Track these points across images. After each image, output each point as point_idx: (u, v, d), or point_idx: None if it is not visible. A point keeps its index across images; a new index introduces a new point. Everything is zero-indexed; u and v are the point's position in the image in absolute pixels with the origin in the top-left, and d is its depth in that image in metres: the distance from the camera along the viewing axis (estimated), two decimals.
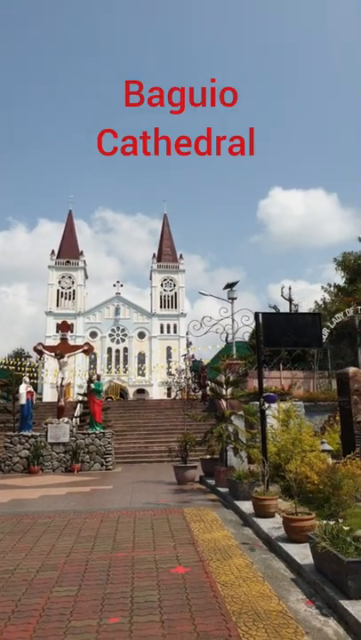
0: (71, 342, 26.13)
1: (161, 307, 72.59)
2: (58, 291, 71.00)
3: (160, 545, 6.66)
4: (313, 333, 9.87)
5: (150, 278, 74.82)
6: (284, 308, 30.92)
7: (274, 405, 11.81)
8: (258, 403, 9.11)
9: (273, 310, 29.52)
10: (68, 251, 73.33)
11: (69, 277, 71.92)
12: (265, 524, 7.19)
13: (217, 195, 62.59)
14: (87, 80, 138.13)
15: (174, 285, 73.64)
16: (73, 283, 71.79)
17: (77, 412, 24.08)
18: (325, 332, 21.87)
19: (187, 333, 15.47)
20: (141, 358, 69.02)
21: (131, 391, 65.06)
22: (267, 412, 10.70)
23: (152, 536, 7.14)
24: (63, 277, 71.68)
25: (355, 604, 4.18)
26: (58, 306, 69.95)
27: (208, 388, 12.87)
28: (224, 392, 12.37)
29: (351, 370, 11.46)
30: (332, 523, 5.30)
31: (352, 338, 23.52)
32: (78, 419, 22.63)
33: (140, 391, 65.30)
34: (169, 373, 50.29)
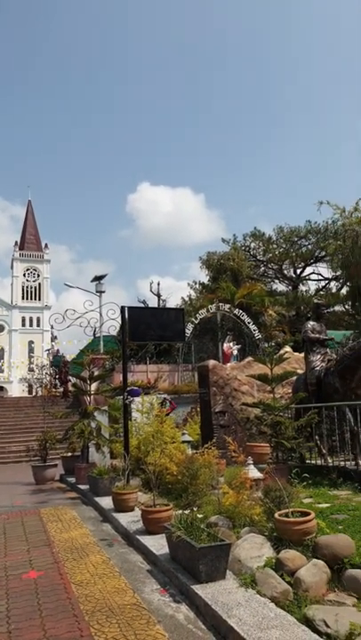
0: None
1: (23, 298, 69.02)
2: None
3: (12, 550, 6.30)
4: (177, 328, 10.13)
5: (11, 267, 70.59)
6: (153, 302, 31.52)
7: (138, 399, 11.90)
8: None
9: (142, 305, 29.85)
10: None
11: None
12: (124, 519, 7.20)
13: (86, 185, 61.71)
14: None
15: (38, 276, 70.57)
16: None
17: None
18: (190, 326, 22.69)
19: (51, 327, 14.94)
20: (0, 353, 65.07)
21: None
22: (131, 405, 10.77)
23: (4, 541, 6.73)
24: None
25: (205, 588, 4.34)
26: None
27: (70, 383, 12.52)
28: (88, 387, 12.16)
29: (211, 363, 11.99)
30: (187, 512, 5.46)
31: (214, 332, 24.74)
32: None
33: None
34: (30, 369, 48.28)
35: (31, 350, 64.81)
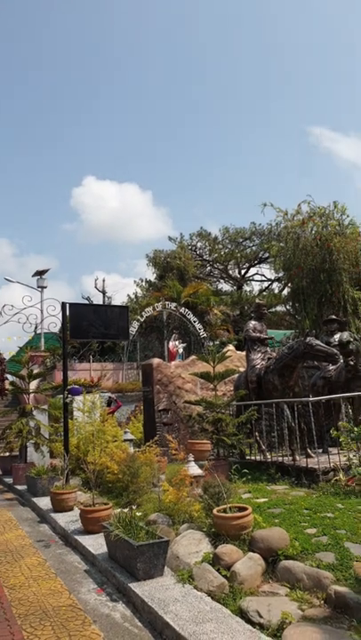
0: None
1: None
2: None
3: None
4: (121, 326, 10.05)
5: None
6: (98, 300, 31.05)
7: (80, 398, 11.71)
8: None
9: (86, 302, 29.39)
10: None
11: None
12: (63, 519, 7.07)
13: (29, 177, 59.67)
14: None
15: None
16: None
17: None
18: (135, 324, 22.57)
19: None
20: None
21: None
22: (72, 404, 10.57)
23: None
24: None
25: (142, 585, 4.33)
26: None
27: (8, 382, 12.13)
28: (27, 386, 11.84)
29: (155, 361, 11.99)
30: (126, 510, 5.43)
31: (160, 331, 24.73)
32: None
33: None
34: None
35: None
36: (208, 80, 60.53)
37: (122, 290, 61.26)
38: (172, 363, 14.68)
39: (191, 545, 4.91)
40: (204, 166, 61.17)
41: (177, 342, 22.68)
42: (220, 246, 34.52)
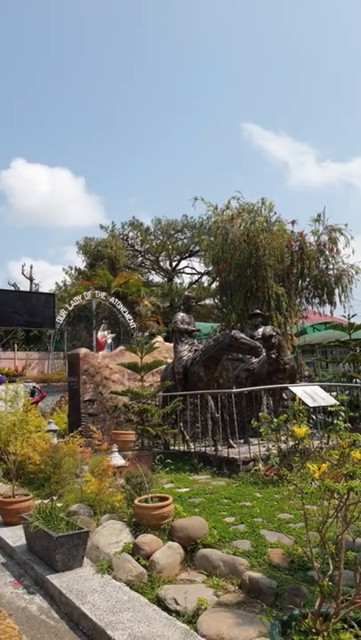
0: None
1: None
2: None
3: None
4: (46, 314, 9.87)
5: None
6: (25, 286, 29.99)
7: (2, 387, 11.32)
8: None
9: (12, 288, 28.33)
10: None
11: None
12: None
13: None
14: None
15: None
16: None
17: None
18: (63, 313, 22.09)
19: None
20: None
21: None
22: None
23: None
24: None
25: (61, 577, 4.32)
26: None
27: None
28: None
29: (82, 351, 11.82)
30: (47, 501, 5.36)
31: (89, 320, 24.37)
32: None
33: None
34: None
35: None
36: (147, 70, 59.94)
37: (50, 277, 59.55)
38: (100, 353, 14.53)
39: (112, 535, 4.94)
40: (139, 156, 60.67)
41: (106, 332, 22.47)
42: (152, 237, 34.53)
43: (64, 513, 5.43)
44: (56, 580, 4.26)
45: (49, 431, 9.33)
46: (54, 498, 5.46)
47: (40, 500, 5.71)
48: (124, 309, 23.77)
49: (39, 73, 60.47)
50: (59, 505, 5.44)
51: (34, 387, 15.19)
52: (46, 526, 4.77)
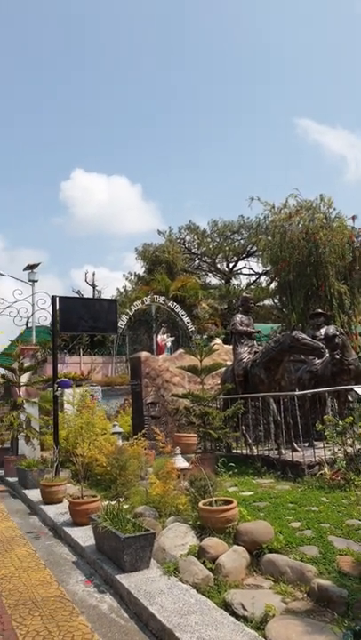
0: None
1: None
2: None
3: None
4: (109, 319, 10.09)
5: None
6: (88, 293, 30.93)
7: (70, 391, 11.77)
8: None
9: (76, 295, 29.28)
10: None
11: None
12: (52, 511, 7.15)
13: (18, 172, 59.06)
14: None
15: None
16: None
17: None
18: (124, 318, 22.58)
19: None
20: None
21: None
22: (62, 397, 10.63)
23: None
24: None
25: (129, 577, 4.43)
26: None
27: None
28: (18, 379, 11.85)
29: (143, 354, 12.05)
30: (114, 503, 5.51)
31: (148, 324, 24.76)
32: None
33: None
34: None
35: None
36: (200, 73, 60.14)
37: (110, 283, 61.03)
38: (161, 356, 14.74)
39: (177, 537, 5.01)
40: (194, 160, 60.93)
41: (165, 336, 22.75)
42: (209, 240, 34.54)
43: (130, 514, 5.56)
44: (125, 580, 4.37)
45: (114, 433, 9.59)
46: (121, 499, 5.60)
47: (107, 502, 5.88)
48: (183, 312, 23.95)
49: (93, 84, 62.27)
50: (125, 506, 5.57)
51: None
52: (114, 527, 4.91)
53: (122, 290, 32.84)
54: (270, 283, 26.30)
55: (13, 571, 5.11)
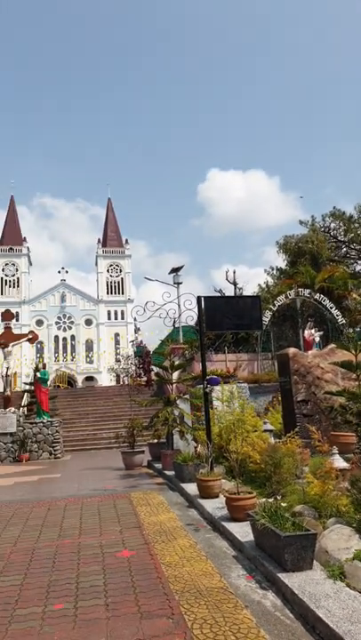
0: (16, 331, 25.40)
1: (108, 293, 71.68)
2: (2, 279, 68.86)
3: (106, 530, 6.69)
4: (253, 316, 10.08)
5: (96, 264, 73.57)
6: (230, 291, 31.33)
7: (218, 388, 12.02)
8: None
9: (218, 294, 29.85)
10: (11, 237, 71.02)
11: (13, 265, 69.74)
12: (209, 505, 7.36)
13: (158, 180, 62.30)
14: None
15: (120, 271, 72.86)
16: (17, 270, 69.70)
17: (24, 401, 23.62)
18: (268, 314, 22.39)
19: (134, 319, 15.40)
20: (89, 345, 68.15)
21: (79, 379, 64.27)
22: (212, 394, 10.90)
23: (98, 522, 7.16)
24: (7, 265, 69.46)
25: (291, 577, 4.37)
26: (2, 294, 67.85)
27: (153, 372, 12.95)
28: (170, 376, 12.45)
29: (291, 351, 11.79)
30: (271, 500, 5.49)
31: (294, 319, 24.21)
32: (25, 408, 22.19)
33: (89, 378, 64.61)
34: (117, 360, 50.12)
35: (117, 342, 67.25)
36: (318, 67, 57.03)
37: (251, 280, 61.10)
38: (310, 352, 14.31)
39: (340, 540, 4.81)
40: (332, 143, 57.98)
41: (313, 330, 22.01)
42: (357, 225, 32.58)
43: (288, 513, 5.48)
44: (287, 579, 4.32)
45: (265, 431, 9.56)
46: (278, 497, 5.56)
47: (264, 499, 5.87)
48: (331, 305, 22.97)
49: (226, 80, 62.67)
50: (282, 505, 5.51)
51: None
52: (273, 525, 4.88)
53: (263, 285, 32.64)
54: None
55: (177, 559, 5.37)
